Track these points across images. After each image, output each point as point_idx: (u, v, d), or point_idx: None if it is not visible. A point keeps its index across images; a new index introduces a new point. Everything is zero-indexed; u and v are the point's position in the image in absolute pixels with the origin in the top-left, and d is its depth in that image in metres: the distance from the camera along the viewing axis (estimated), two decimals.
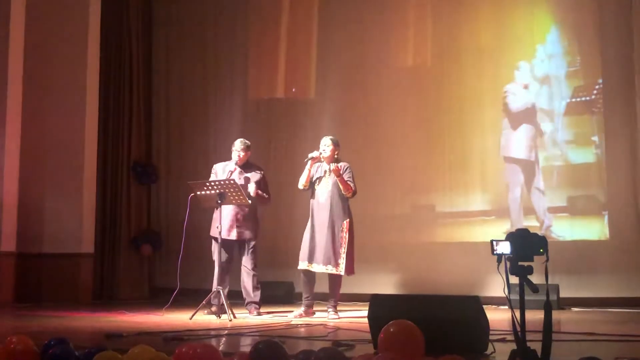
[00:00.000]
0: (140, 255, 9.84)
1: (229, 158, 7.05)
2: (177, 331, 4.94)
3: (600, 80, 8.30)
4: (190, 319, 6.17)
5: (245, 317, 6.54)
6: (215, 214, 6.75)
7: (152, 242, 9.86)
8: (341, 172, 6.59)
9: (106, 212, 9.72)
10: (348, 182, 6.59)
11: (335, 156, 6.71)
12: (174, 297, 6.85)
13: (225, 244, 6.82)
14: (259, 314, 6.74)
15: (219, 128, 9.97)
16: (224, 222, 6.74)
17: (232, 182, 6.54)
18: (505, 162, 8.67)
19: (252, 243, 6.90)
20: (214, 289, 6.57)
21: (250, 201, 6.68)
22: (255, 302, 6.82)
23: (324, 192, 6.63)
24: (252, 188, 6.78)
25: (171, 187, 10.04)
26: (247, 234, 6.87)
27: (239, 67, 10.12)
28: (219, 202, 6.50)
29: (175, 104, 10.40)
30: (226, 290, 6.76)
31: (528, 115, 8.61)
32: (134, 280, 9.77)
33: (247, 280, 6.84)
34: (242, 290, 6.88)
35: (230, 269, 6.91)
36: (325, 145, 6.70)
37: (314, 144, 6.95)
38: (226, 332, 5.26)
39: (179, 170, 10.00)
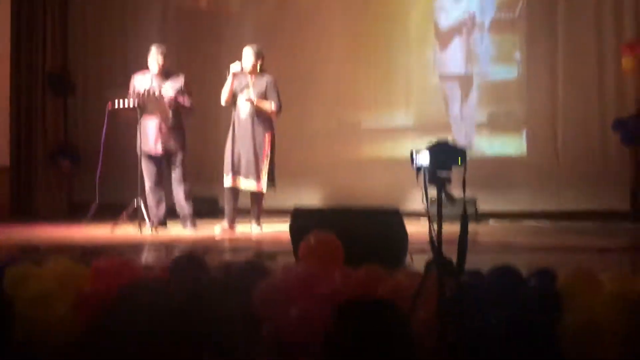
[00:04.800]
0: (59, 170, 9.58)
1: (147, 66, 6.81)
2: (96, 244, 4.87)
3: None
4: (111, 232, 6.08)
5: (167, 230, 6.51)
6: (140, 127, 6.63)
7: (70, 156, 9.58)
8: (266, 88, 6.49)
9: (21, 124, 9.35)
10: (270, 104, 6.48)
11: (259, 67, 6.58)
12: (94, 212, 6.73)
13: (153, 158, 6.70)
14: (194, 226, 6.70)
15: (139, 36, 9.58)
16: (148, 134, 6.61)
17: (151, 92, 6.38)
18: (440, 78, 8.67)
19: (180, 155, 6.75)
20: (149, 205, 6.57)
21: (169, 113, 6.54)
22: (188, 216, 6.77)
23: (246, 105, 6.53)
24: (167, 98, 6.58)
25: (89, 99, 9.66)
26: (173, 145, 6.70)
27: None
28: (139, 114, 6.35)
29: (92, 10, 9.92)
30: (163, 206, 6.73)
31: (460, 29, 8.57)
32: (53, 195, 9.53)
33: (178, 193, 6.76)
34: (176, 204, 6.81)
35: (162, 184, 6.81)
36: (247, 55, 6.56)
37: (237, 56, 6.78)
38: (148, 245, 5.21)
39: (97, 81, 9.61)
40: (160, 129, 6.64)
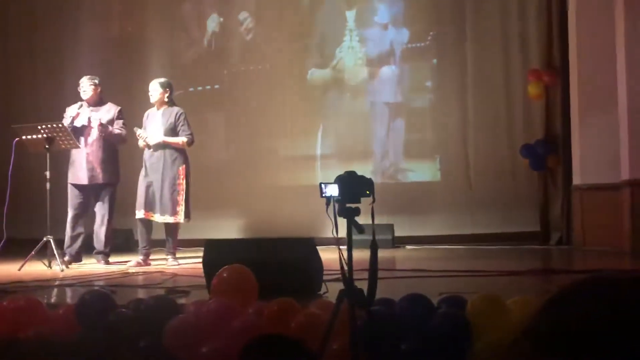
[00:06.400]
0: None
1: (58, 99, 6.68)
2: (2, 283, 4.67)
3: (433, 29, 8.55)
4: (19, 270, 5.85)
5: (80, 266, 6.33)
6: (71, 158, 6.50)
7: None
8: (175, 120, 6.42)
9: None
10: (180, 138, 6.42)
11: (166, 99, 6.51)
12: (1, 248, 6.46)
13: (80, 189, 6.52)
14: (107, 263, 6.51)
15: (48, 66, 9.37)
16: (77, 165, 6.47)
17: (60, 126, 6.20)
18: (362, 105, 8.76)
19: (111, 188, 6.57)
20: (66, 237, 6.39)
21: (79, 145, 6.38)
22: (103, 252, 6.57)
23: (157, 139, 6.44)
24: (97, 128, 6.45)
25: None
26: (101, 177, 6.51)
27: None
28: (47, 147, 6.17)
29: None
30: (79, 241, 6.52)
31: (386, 57, 8.72)
32: None
33: (99, 229, 6.56)
34: (94, 237, 6.59)
35: (83, 217, 6.61)
36: (153, 90, 6.50)
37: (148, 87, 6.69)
38: (57, 283, 5.03)
39: (3, 115, 9.33)
40: (88, 159, 6.47)
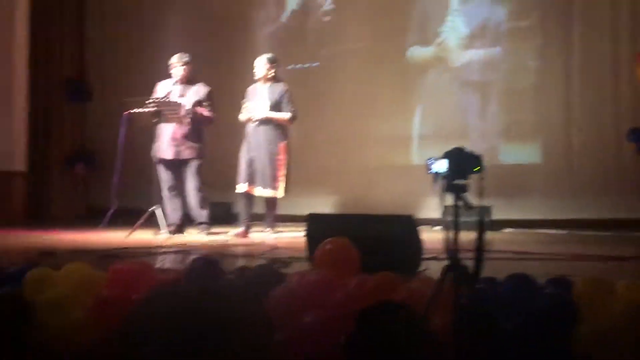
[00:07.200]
0: (75, 175, 9.66)
1: (167, 74, 6.85)
2: (113, 249, 4.90)
3: (538, 8, 8.32)
4: (128, 237, 6.12)
5: (184, 236, 6.54)
6: (157, 133, 6.63)
7: (86, 161, 9.67)
8: (280, 96, 6.51)
9: (38, 130, 9.46)
10: (285, 114, 6.51)
11: (272, 75, 6.61)
12: (111, 216, 6.78)
13: (166, 164, 6.69)
14: (209, 233, 6.69)
15: (157, 43, 9.66)
16: (162, 140, 6.61)
17: (168, 100, 6.40)
18: (459, 86, 8.65)
19: (196, 162, 6.69)
20: (166, 209, 6.60)
21: (188, 120, 6.56)
22: (204, 223, 6.75)
23: (262, 114, 6.55)
24: (187, 107, 6.59)
25: (107, 104, 9.75)
26: (187, 153, 6.66)
27: None
28: (155, 121, 6.38)
29: (110, 16, 10.02)
30: (178, 213, 6.71)
31: (478, 37, 8.57)
32: (70, 200, 9.63)
33: (193, 200, 6.72)
34: (191, 211, 6.78)
35: (177, 190, 6.77)
36: (259, 65, 6.60)
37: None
38: (164, 250, 5.24)
39: (114, 86, 9.71)
40: (174, 135, 6.62)
